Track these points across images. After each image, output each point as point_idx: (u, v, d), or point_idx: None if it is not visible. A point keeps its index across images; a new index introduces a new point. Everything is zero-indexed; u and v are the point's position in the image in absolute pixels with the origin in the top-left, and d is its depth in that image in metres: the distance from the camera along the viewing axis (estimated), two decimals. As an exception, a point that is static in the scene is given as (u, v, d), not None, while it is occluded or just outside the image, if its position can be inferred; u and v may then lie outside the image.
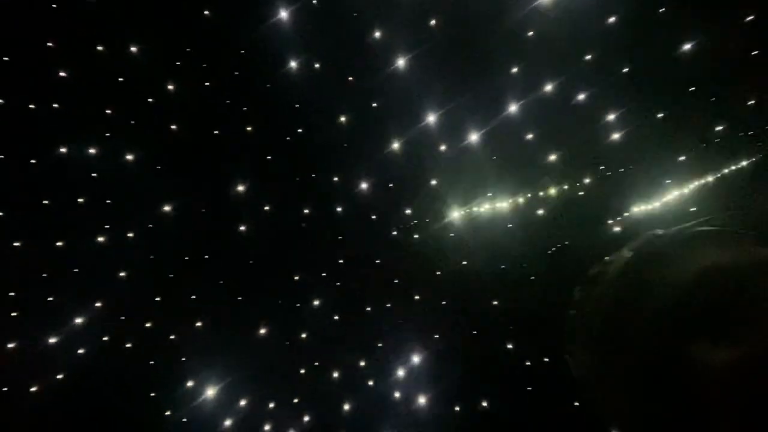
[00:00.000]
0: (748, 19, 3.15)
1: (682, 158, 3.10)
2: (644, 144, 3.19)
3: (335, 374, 3.60)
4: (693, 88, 3.14)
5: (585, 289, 0.59)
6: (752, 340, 0.37)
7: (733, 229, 0.47)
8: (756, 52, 3.08)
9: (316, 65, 3.67)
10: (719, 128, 3.10)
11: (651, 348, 0.42)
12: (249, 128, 3.67)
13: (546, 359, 3.40)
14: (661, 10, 3.21)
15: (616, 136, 3.26)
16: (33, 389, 3.42)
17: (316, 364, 3.63)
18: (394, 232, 3.69)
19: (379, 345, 3.62)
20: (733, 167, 3.03)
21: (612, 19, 3.26)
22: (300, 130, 3.67)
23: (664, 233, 0.51)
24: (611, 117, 3.27)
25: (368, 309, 3.64)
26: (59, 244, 3.58)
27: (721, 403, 0.37)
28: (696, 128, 3.15)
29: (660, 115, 3.18)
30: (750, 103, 3.09)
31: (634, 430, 0.46)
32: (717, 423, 0.37)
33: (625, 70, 3.29)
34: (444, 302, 3.63)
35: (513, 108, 3.50)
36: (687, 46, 3.18)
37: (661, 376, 0.41)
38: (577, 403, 3.19)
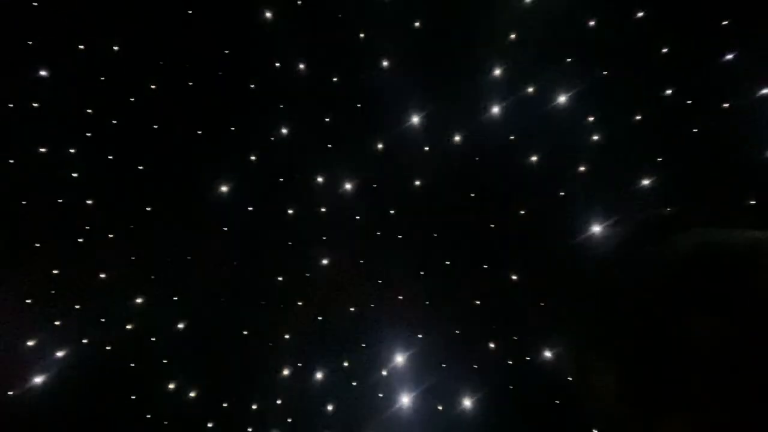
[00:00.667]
0: (724, 23, 3.22)
1: (660, 159, 3.15)
2: (622, 145, 3.24)
3: (318, 375, 3.59)
4: (670, 91, 3.20)
5: (581, 263, 0.59)
6: (743, 315, 0.38)
7: (716, 213, 0.48)
8: (731, 56, 3.14)
9: (301, 65, 3.67)
10: (695, 130, 3.15)
11: (645, 319, 0.43)
12: (232, 128, 3.66)
13: (528, 358, 3.42)
14: (639, 14, 3.27)
15: (595, 137, 3.31)
16: (10, 393, 3.36)
17: (299, 365, 3.62)
18: (378, 233, 3.69)
19: (363, 345, 3.62)
20: (711, 168, 3.09)
21: (591, 23, 3.31)
22: (284, 130, 3.67)
23: (661, 212, 0.52)
24: (591, 119, 3.32)
25: (352, 309, 3.63)
26: (37, 245, 3.53)
27: (710, 375, 0.38)
28: (673, 129, 3.20)
29: (638, 117, 3.24)
30: (725, 105, 3.16)
31: (618, 408, 0.46)
32: (705, 393, 0.38)
33: (605, 72, 3.34)
34: (428, 302, 3.64)
35: (496, 109, 3.53)
36: (664, 50, 3.24)
37: (653, 345, 0.42)
38: (558, 402, 3.22)
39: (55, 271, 3.53)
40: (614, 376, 0.46)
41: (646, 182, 3.22)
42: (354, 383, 3.59)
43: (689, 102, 3.16)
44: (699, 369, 0.39)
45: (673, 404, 0.40)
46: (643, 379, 0.44)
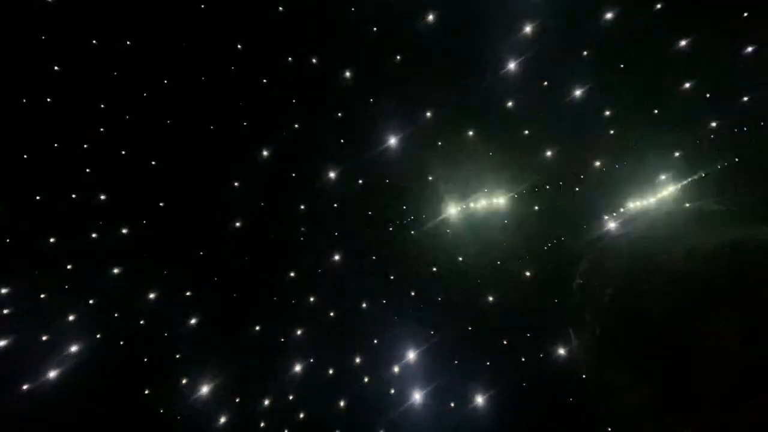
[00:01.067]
0: (744, 15, 3.17)
1: (677, 154, 3.11)
2: (639, 140, 3.20)
3: (330, 371, 3.58)
4: (688, 85, 3.15)
5: (593, 260, 0.59)
6: (755, 313, 0.37)
7: (738, 209, 0.47)
8: (750, 48, 3.09)
9: (313, 60, 3.65)
10: (713, 124, 3.11)
11: (657, 318, 0.42)
12: (244, 123, 3.65)
13: (541, 355, 3.39)
14: (657, 6, 3.22)
15: (611, 131, 3.27)
16: (24, 387, 3.38)
17: (311, 361, 3.61)
18: (391, 228, 3.67)
19: (375, 342, 3.61)
20: (727, 163, 3.04)
21: (608, 15, 3.27)
22: (296, 126, 3.65)
23: (672, 210, 0.51)
24: (606, 113, 3.28)
25: (364, 306, 3.62)
26: (51, 240, 3.54)
27: (721, 371, 0.37)
28: (691, 125, 3.16)
29: (655, 111, 3.19)
30: (744, 99, 3.10)
31: (629, 402, 0.46)
32: (714, 391, 0.37)
33: (621, 66, 3.29)
34: (440, 298, 3.62)
35: (509, 104, 3.50)
36: (682, 43, 3.19)
37: (665, 344, 0.41)
38: (571, 399, 3.20)
39: (68, 266, 3.55)
40: (631, 374, 0.45)
41: (662, 177, 3.18)
42: (366, 379, 3.58)
43: (708, 96, 3.11)
44: (719, 370, 0.37)
45: (692, 405, 0.39)
46: (662, 380, 0.43)
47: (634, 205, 3.18)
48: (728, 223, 0.47)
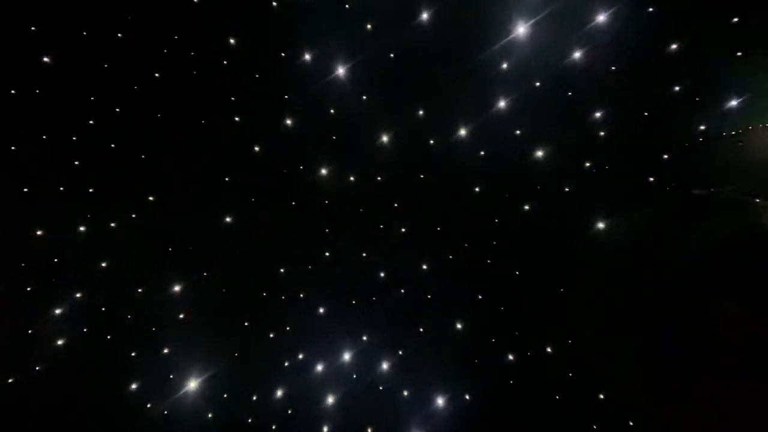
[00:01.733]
0: (734, 20, 3.19)
1: (666, 156, 3.14)
2: (629, 142, 3.22)
3: (319, 367, 3.59)
4: (678, 88, 3.17)
5: (612, 238, 0.59)
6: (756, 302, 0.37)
7: (757, 199, 0.48)
8: (740, 53, 3.11)
9: (306, 57, 3.63)
10: (702, 127, 3.13)
11: (678, 299, 0.43)
12: (237, 119, 3.63)
13: (528, 353, 3.42)
14: (649, 10, 3.24)
15: (602, 133, 3.29)
16: (10, 380, 3.35)
17: (300, 357, 3.61)
18: (381, 226, 3.67)
19: (364, 338, 3.61)
20: (715, 165, 3.06)
21: (601, 18, 3.28)
22: (288, 122, 3.64)
23: (692, 195, 0.52)
24: (598, 115, 3.30)
25: (353, 302, 3.62)
26: (39, 233, 3.50)
27: (741, 356, 0.37)
28: (680, 127, 3.18)
29: (645, 114, 3.21)
30: (733, 103, 3.13)
31: (629, 386, 0.46)
32: (731, 376, 0.37)
33: (613, 68, 3.31)
34: (429, 296, 3.63)
35: (502, 104, 3.50)
36: (674, 46, 3.21)
37: (665, 334, 0.41)
38: (558, 397, 3.23)
39: (56, 260, 3.51)
40: (630, 365, 0.46)
41: (651, 179, 3.20)
42: (354, 376, 3.59)
43: (697, 99, 3.14)
44: (726, 354, 0.38)
45: (694, 393, 0.39)
46: (662, 367, 0.43)
47: (623, 206, 3.20)
48: (751, 210, 0.47)
